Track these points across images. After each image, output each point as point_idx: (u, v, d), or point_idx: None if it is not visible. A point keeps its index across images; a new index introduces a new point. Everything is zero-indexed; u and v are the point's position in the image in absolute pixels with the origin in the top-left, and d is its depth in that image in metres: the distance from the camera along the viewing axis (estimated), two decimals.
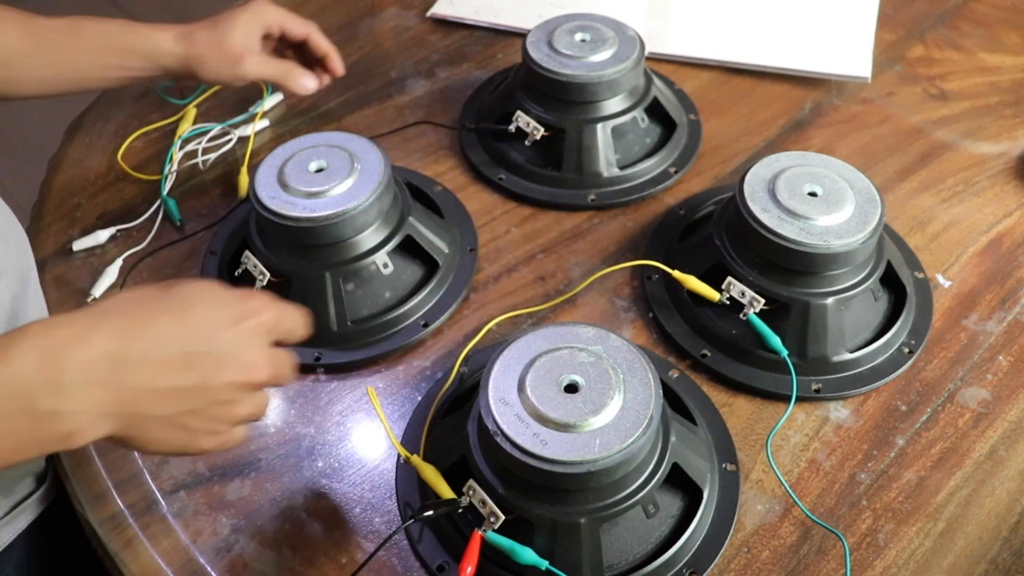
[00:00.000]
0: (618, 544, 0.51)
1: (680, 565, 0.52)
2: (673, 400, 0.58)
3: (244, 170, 0.76)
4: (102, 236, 0.71)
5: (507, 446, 0.47)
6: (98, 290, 0.68)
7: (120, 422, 0.39)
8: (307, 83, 0.74)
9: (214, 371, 0.40)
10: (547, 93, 0.73)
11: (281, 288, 0.63)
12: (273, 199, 0.62)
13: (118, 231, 0.72)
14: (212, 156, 0.79)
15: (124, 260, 0.70)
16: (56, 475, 0.62)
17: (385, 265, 0.64)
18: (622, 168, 0.74)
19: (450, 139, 0.80)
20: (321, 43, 0.77)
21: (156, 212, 0.74)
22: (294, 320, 0.44)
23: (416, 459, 0.55)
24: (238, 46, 0.70)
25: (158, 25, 0.69)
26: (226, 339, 0.40)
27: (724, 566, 0.53)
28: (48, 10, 0.67)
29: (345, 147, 0.65)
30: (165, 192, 0.74)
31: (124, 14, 0.71)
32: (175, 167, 0.77)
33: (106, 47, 0.67)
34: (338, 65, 0.78)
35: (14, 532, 0.59)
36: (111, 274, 0.69)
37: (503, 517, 0.49)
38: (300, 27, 0.75)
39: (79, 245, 0.71)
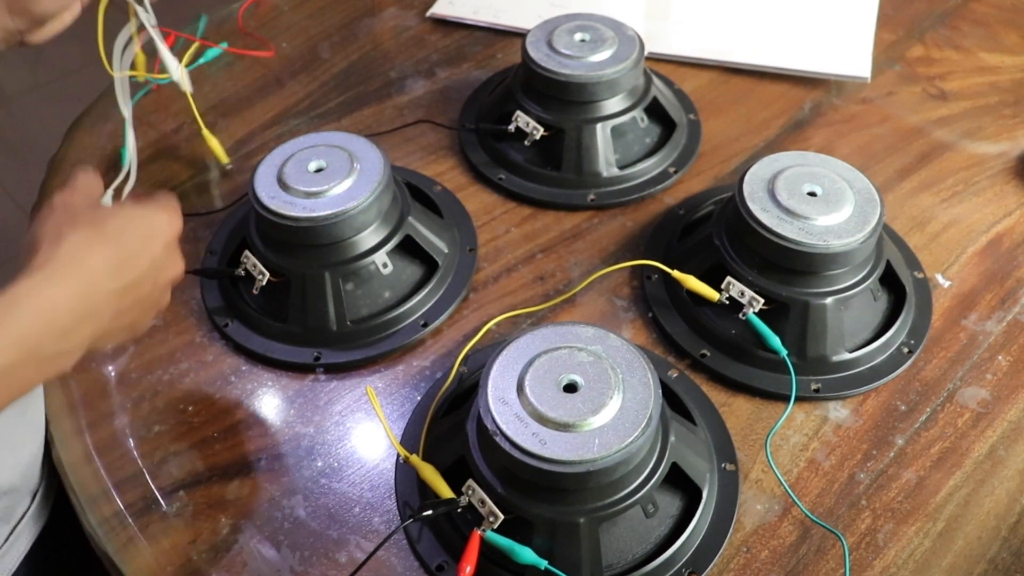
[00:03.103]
0: (617, 544, 0.51)
1: (679, 565, 0.52)
2: (672, 400, 0.58)
3: (204, 131, 0.76)
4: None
5: (506, 446, 0.47)
6: None
7: (98, 341, 0.49)
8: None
9: (153, 281, 0.51)
10: (547, 93, 0.73)
11: (281, 288, 0.63)
12: (273, 199, 0.62)
13: None
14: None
15: None
16: (49, 486, 0.61)
17: (385, 265, 0.64)
18: (622, 168, 0.74)
19: (450, 139, 0.80)
20: None
21: None
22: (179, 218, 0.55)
23: (415, 459, 0.55)
24: None
25: None
26: (158, 257, 0.51)
27: (723, 566, 0.53)
28: None
29: (344, 147, 0.65)
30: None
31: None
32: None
33: None
34: None
35: (17, 557, 0.59)
36: None
37: (502, 517, 0.49)
38: None
39: None
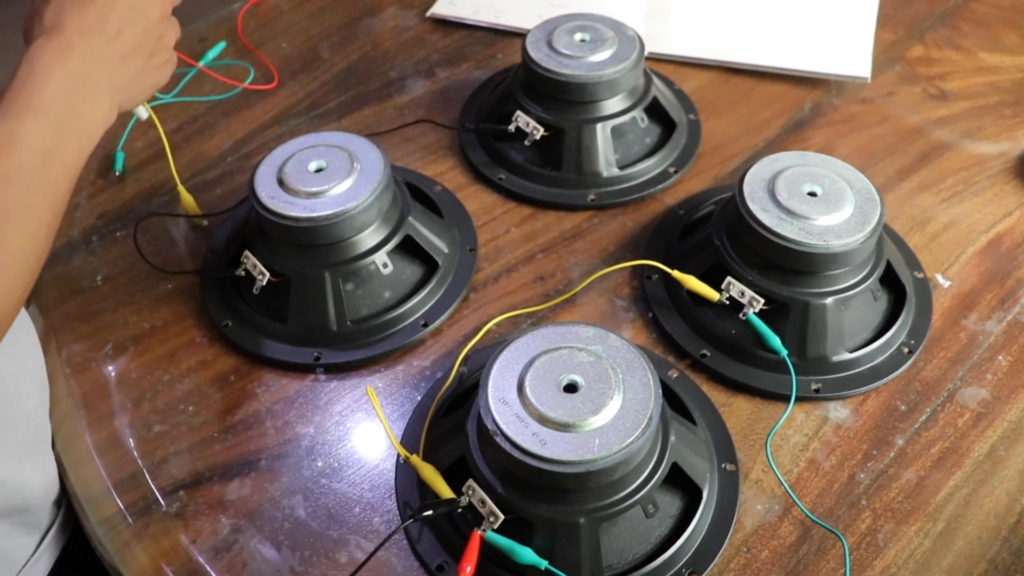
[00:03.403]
0: (617, 544, 0.51)
1: (679, 565, 0.52)
2: (672, 400, 0.58)
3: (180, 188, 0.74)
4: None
5: (506, 446, 0.47)
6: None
7: (119, 93, 0.54)
8: None
9: (147, 27, 0.56)
10: (547, 93, 0.73)
11: (281, 288, 0.63)
12: (273, 199, 0.62)
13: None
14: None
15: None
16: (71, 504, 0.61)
17: (385, 265, 0.64)
18: (622, 168, 0.74)
19: (450, 139, 0.80)
20: None
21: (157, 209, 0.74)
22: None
23: (415, 459, 0.55)
24: None
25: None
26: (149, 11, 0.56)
27: (724, 566, 0.53)
28: None
29: (344, 147, 0.65)
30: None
31: None
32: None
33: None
34: None
35: (45, 567, 0.59)
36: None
37: (502, 517, 0.49)
38: None
39: None
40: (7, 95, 0.49)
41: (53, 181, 0.49)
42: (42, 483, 0.58)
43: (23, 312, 0.63)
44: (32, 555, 0.58)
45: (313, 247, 0.62)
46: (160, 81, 0.59)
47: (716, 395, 0.61)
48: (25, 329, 0.62)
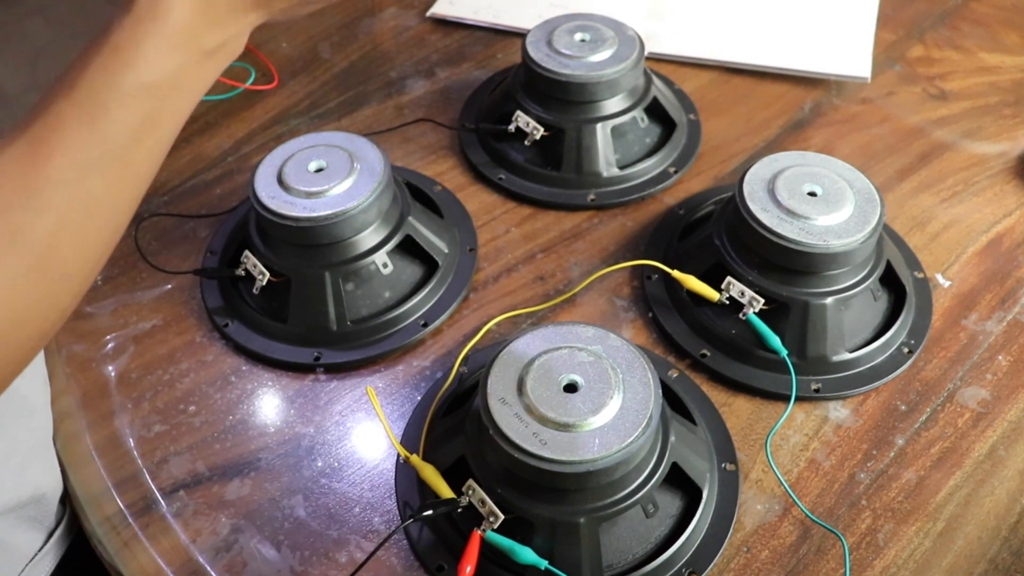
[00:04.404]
0: (617, 544, 0.51)
1: (679, 565, 0.52)
2: (672, 400, 0.58)
3: None
4: None
5: (506, 446, 0.47)
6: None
7: (261, 10, 0.48)
8: None
9: None
10: (547, 93, 0.73)
11: (281, 288, 0.63)
12: (273, 199, 0.62)
13: None
14: None
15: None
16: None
17: (385, 265, 0.64)
18: (622, 168, 0.74)
19: (450, 139, 0.80)
20: None
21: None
22: None
23: (415, 459, 0.55)
24: None
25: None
26: None
27: (723, 566, 0.53)
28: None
29: (344, 147, 0.65)
30: None
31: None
32: None
33: None
34: None
35: (51, 564, 0.59)
36: None
37: (502, 517, 0.49)
38: None
39: None
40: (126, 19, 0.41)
41: (126, 178, 0.42)
42: (49, 479, 0.58)
43: None
44: (38, 551, 0.58)
45: (313, 247, 0.62)
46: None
47: (716, 395, 0.61)
48: None
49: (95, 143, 0.39)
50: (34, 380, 0.61)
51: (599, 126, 0.73)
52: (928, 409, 0.60)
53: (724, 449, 0.57)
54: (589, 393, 0.49)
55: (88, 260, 0.42)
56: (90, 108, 0.39)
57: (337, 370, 0.63)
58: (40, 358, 0.63)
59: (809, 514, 0.55)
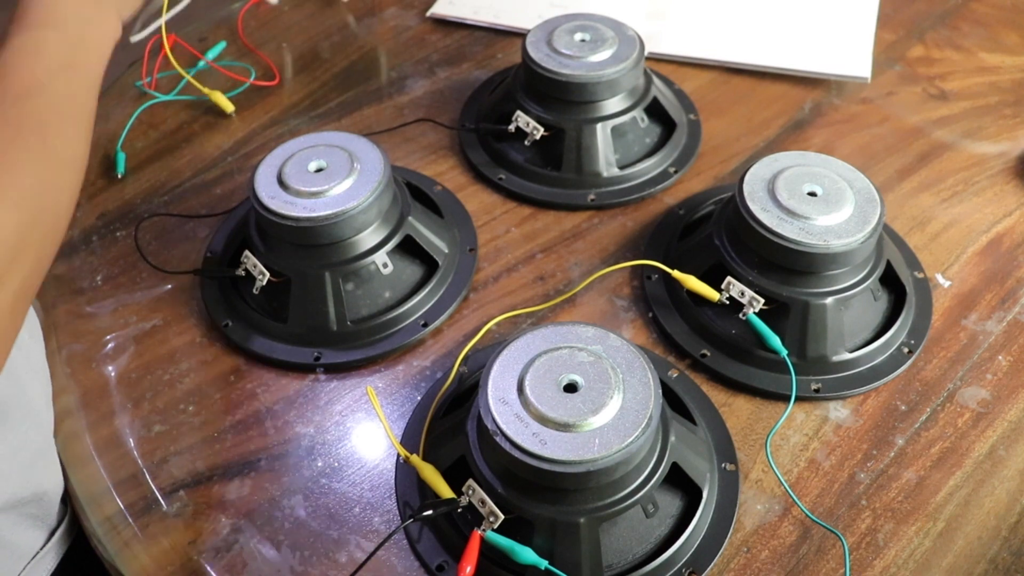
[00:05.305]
0: (617, 544, 0.51)
1: (679, 565, 0.52)
2: (673, 400, 0.58)
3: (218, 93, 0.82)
4: None
5: (506, 446, 0.47)
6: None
7: (120, 20, 0.57)
8: None
9: None
10: (547, 93, 0.73)
11: (281, 288, 0.63)
12: (273, 199, 0.62)
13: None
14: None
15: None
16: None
17: (385, 265, 0.64)
18: (622, 168, 0.74)
19: (450, 139, 0.80)
20: None
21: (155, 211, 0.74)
22: None
23: (415, 459, 0.55)
24: None
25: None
26: None
27: (723, 566, 0.53)
28: None
29: (345, 147, 0.65)
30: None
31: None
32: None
33: None
34: None
35: (52, 564, 0.59)
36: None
37: (502, 517, 0.49)
38: None
39: None
40: (18, 12, 0.51)
41: (77, 91, 0.51)
42: (52, 478, 0.58)
43: (29, 309, 0.63)
44: (40, 550, 0.58)
45: (313, 247, 0.62)
46: None
47: (716, 395, 0.61)
48: (29, 327, 0.62)
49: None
50: (37, 378, 0.61)
51: (599, 126, 0.73)
52: (928, 409, 0.60)
53: (724, 449, 0.57)
54: (589, 393, 0.49)
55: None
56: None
57: (337, 370, 0.63)
58: (42, 357, 0.63)
59: (809, 514, 0.55)
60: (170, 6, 0.79)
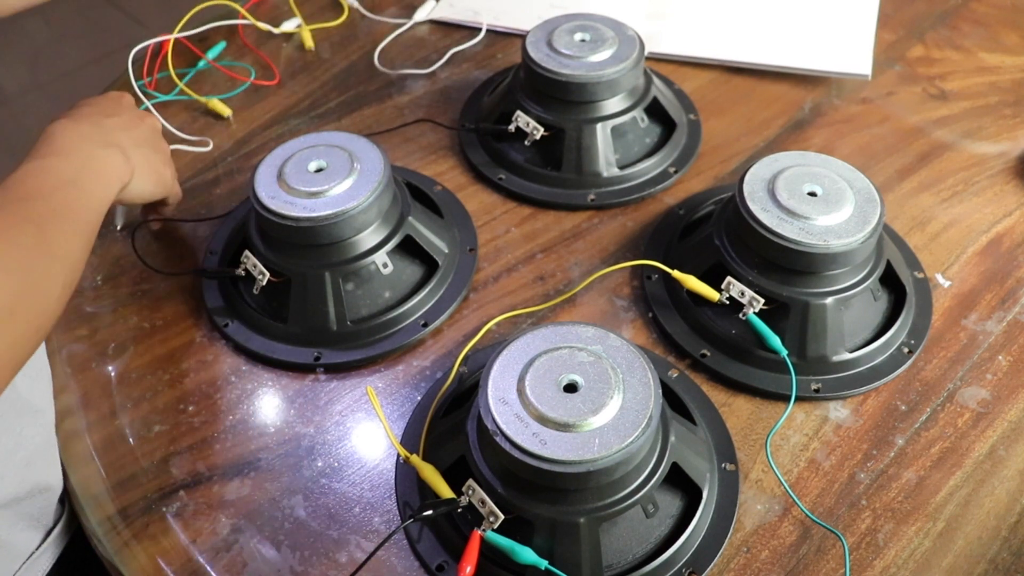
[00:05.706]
0: (617, 544, 0.51)
1: (679, 565, 0.52)
2: (672, 400, 0.58)
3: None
4: None
5: (506, 446, 0.47)
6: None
7: (131, 156, 0.60)
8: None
9: (131, 120, 0.64)
10: (547, 93, 0.73)
11: (281, 288, 0.63)
12: (273, 199, 0.62)
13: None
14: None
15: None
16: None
17: (385, 265, 0.64)
18: (622, 168, 0.74)
19: (450, 139, 0.80)
20: None
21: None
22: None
23: (415, 459, 0.55)
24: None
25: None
26: (127, 109, 0.65)
27: (723, 566, 0.53)
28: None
29: (345, 147, 0.65)
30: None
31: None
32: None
33: None
34: None
35: (48, 563, 0.59)
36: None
37: (502, 517, 0.49)
38: None
39: None
40: (32, 151, 0.55)
41: (76, 205, 0.53)
42: (53, 475, 0.58)
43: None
44: (36, 550, 0.58)
45: (313, 247, 0.62)
46: (164, 176, 0.66)
47: (716, 395, 0.61)
48: None
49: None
50: (38, 379, 0.61)
51: (599, 126, 0.73)
52: (928, 409, 0.60)
53: (724, 449, 0.57)
54: (589, 393, 0.49)
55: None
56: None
57: (337, 370, 0.63)
58: (43, 357, 0.63)
59: (809, 514, 0.55)
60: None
